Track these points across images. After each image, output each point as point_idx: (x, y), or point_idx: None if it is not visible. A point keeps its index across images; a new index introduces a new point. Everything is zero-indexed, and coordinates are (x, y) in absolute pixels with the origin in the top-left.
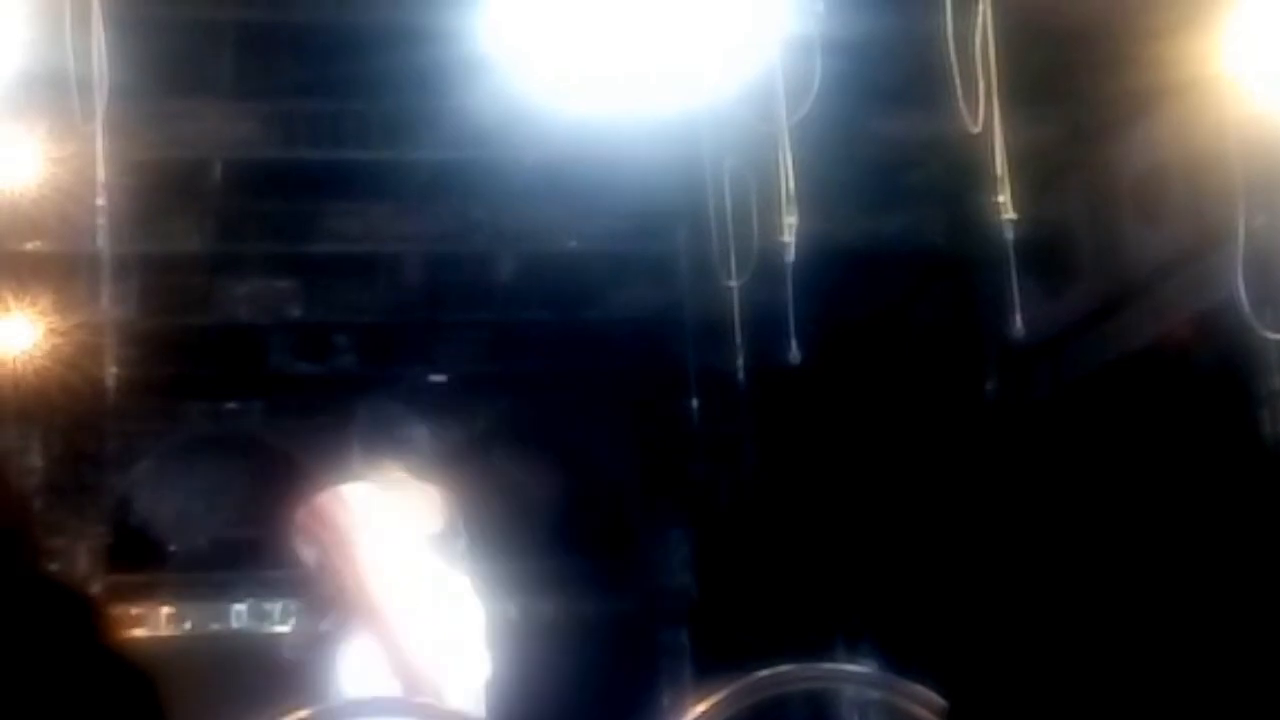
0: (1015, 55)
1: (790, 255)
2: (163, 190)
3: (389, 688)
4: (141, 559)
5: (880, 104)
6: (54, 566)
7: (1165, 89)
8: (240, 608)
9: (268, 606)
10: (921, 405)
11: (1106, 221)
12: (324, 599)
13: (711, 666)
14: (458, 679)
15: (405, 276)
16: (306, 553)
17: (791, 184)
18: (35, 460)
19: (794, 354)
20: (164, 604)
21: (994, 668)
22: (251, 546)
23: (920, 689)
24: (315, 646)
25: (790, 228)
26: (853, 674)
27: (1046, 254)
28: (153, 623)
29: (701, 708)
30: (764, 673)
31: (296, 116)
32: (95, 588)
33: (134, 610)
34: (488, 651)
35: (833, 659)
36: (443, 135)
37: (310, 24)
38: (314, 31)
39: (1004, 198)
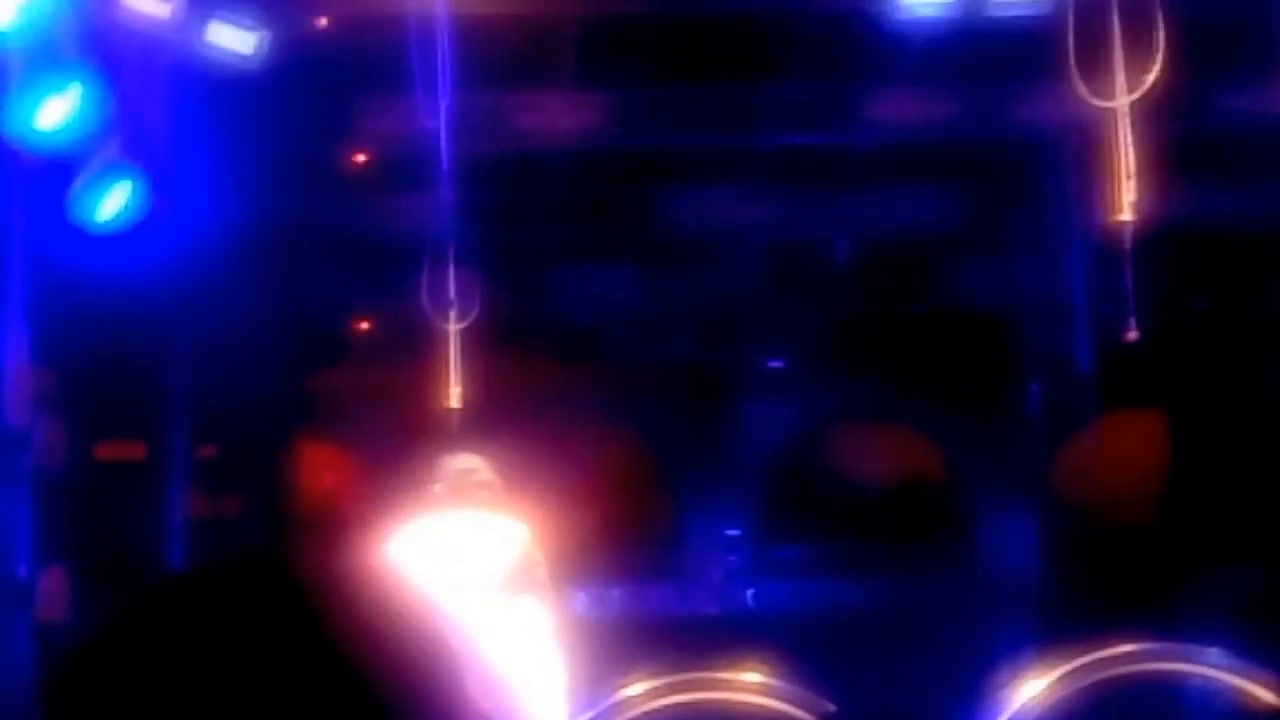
0: None
1: (1130, 236)
2: (504, 181)
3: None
4: None
5: (1225, 76)
6: None
7: None
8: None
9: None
10: (1266, 390)
11: None
12: None
13: (1054, 650)
14: (537, 691)
15: (744, 262)
16: None
17: (1132, 161)
18: (384, 445)
19: (1133, 335)
20: None
21: None
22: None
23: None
24: None
25: (1131, 207)
26: (1199, 656)
27: None
28: None
29: (1036, 684)
30: (1102, 653)
31: (636, 105)
32: None
33: None
34: (559, 662)
35: (1178, 641)
36: (782, 119)
37: (649, 13)
38: (654, 20)
39: None
